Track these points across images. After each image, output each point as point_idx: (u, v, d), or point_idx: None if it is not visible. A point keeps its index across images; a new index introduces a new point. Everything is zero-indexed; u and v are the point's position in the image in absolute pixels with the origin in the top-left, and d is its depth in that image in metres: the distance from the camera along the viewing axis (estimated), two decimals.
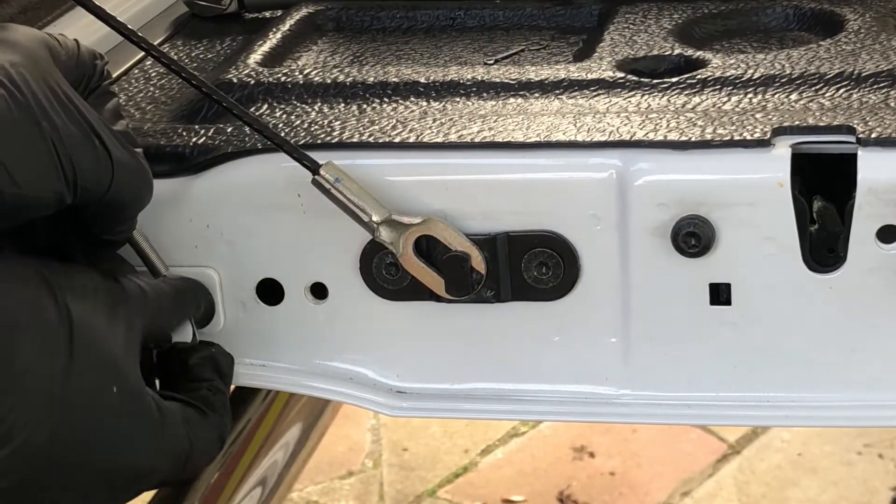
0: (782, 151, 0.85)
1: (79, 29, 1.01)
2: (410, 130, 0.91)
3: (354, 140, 0.90)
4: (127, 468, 0.81)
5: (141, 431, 0.81)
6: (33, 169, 0.77)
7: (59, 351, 0.76)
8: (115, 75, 1.03)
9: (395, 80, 0.99)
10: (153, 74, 1.06)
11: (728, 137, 0.86)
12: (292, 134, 0.92)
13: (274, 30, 1.11)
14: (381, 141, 0.90)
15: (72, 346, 0.77)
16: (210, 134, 0.93)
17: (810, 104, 0.92)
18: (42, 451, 0.75)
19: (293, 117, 0.97)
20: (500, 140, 0.88)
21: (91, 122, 0.80)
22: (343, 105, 0.99)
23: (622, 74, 0.97)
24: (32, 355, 0.75)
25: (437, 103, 0.97)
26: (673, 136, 0.87)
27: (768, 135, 0.85)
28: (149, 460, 0.82)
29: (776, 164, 0.85)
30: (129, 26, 0.86)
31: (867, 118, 0.86)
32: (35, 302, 0.76)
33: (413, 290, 0.90)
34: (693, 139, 0.86)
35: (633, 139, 0.87)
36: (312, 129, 0.92)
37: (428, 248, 0.88)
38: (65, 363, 0.76)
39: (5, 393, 0.74)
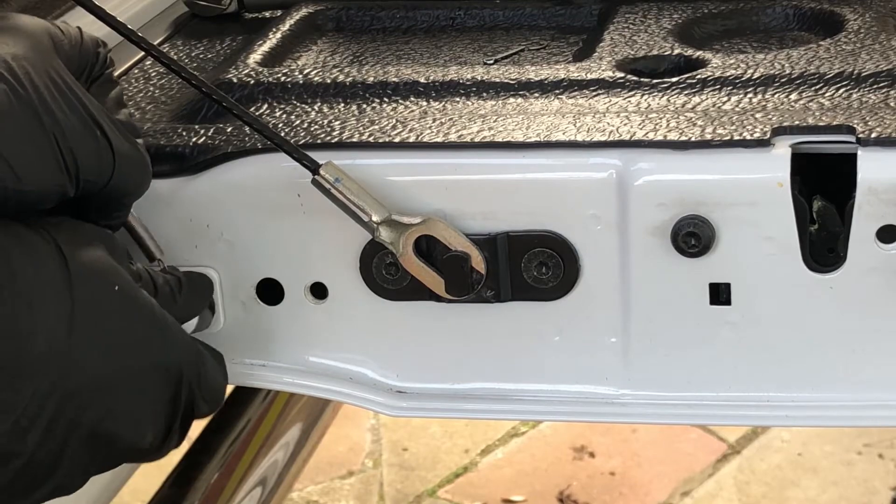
0: (782, 151, 0.85)
1: None
2: (410, 130, 0.91)
3: (354, 140, 0.90)
4: (151, 365, 0.82)
5: (152, 328, 0.83)
6: (35, 163, 0.77)
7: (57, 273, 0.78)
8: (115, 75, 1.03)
9: (395, 79, 0.99)
10: (153, 74, 1.06)
11: (728, 137, 0.86)
12: (292, 134, 0.92)
13: (274, 30, 1.11)
14: (380, 141, 0.90)
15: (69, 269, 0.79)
16: (210, 134, 0.93)
17: (810, 104, 0.92)
18: (67, 365, 0.77)
19: (293, 117, 0.97)
20: (500, 140, 0.88)
21: (93, 114, 0.80)
22: (343, 105, 0.99)
23: (622, 74, 0.97)
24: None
25: (437, 103, 0.97)
26: (673, 136, 0.87)
27: (768, 135, 0.85)
28: (170, 355, 0.83)
29: (776, 164, 0.85)
30: (129, 26, 0.86)
31: (867, 118, 0.86)
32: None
33: (413, 290, 0.90)
34: (693, 139, 0.86)
35: (632, 139, 0.87)
36: (312, 128, 0.92)
37: (428, 248, 0.88)
38: (65, 275, 0.78)
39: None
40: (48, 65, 0.79)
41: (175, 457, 1.46)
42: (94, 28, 0.91)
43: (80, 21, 0.99)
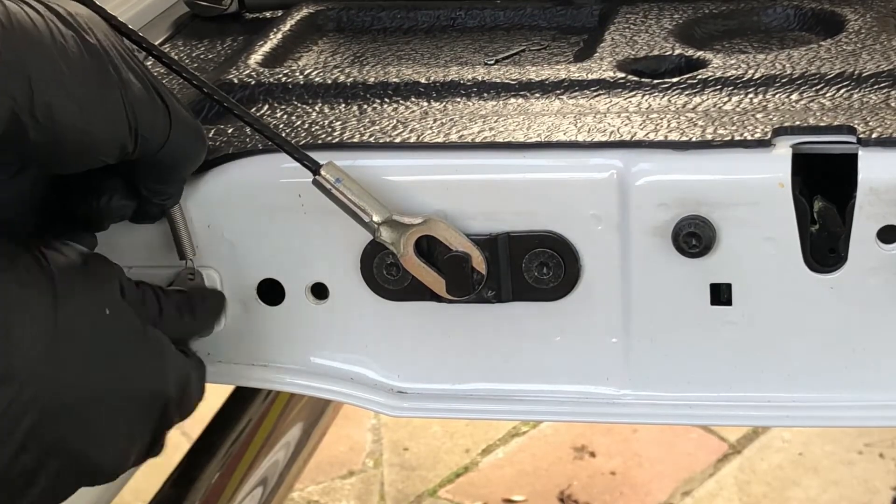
0: (783, 151, 0.85)
1: None
2: (411, 131, 0.91)
3: (355, 140, 0.90)
4: (137, 391, 0.82)
5: (142, 353, 0.83)
6: (102, 113, 0.79)
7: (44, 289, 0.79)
8: None
9: (396, 80, 0.99)
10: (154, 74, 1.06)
11: (729, 138, 0.86)
12: (293, 134, 0.92)
13: (274, 30, 1.11)
14: (381, 141, 0.90)
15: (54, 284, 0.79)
16: (211, 134, 0.93)
17: (811, 104, 0.92)
18: (46, 382, 0.77)
19: (294, 118, 0.97)
20: (501, 140, 0.89)
21: (151, 77, 0.83)
22: (344, 105, 0.99)
23: (623, 75, 0.97)
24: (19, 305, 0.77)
25: (438, 103, 0.97)
26: (674, 137, 0.87)
27: (769, 135, 0.85)
28: (157, 382, 0.84)
29: (777, 165, 0.85)
30: (130, 26, 0.86)
31: (868, 118, 0.86)
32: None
33: (414, 291, 0.90)
34: (694, 139, 0.86)
35: (633, 139, 0.87)
36: (313, 129, 0.92)
37: (429, 248, 0.88)
38: (51, 300, 0.79)
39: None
40: (108, 29, 0.82)
41: (176, 457, 1.46)
42: None
43: None
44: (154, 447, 0.86)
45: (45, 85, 0.76)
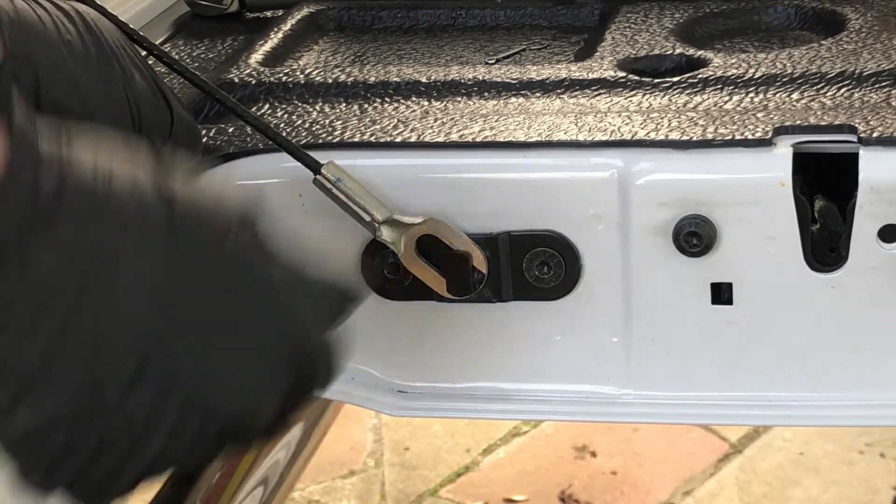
0: (784, 151, 0.85)
1: None
2: (412, 130, 0.91)
3: (356, 140, 0.90)
4: (262, 332, 0.71)
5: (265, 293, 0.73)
6: (107, 106, 0.79)
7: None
8: None
9: (397, 79, 0.99)
10: None
11: (729, 137, 0.86)
12: (294, 134, 0.92)
13: (275, 30, 1.11)
14: (382, 140, 0.90)
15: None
16: (211, 134, 0.93)
17: (812, 103, 0.91)
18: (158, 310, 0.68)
19: (294, 117, 0.97)
20: (502, 140, 0.88)
21: (152, 76, 0.83)
22: (344, 105, 0.99)
23: (623, 74, 0.97)
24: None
25: (439, 103, 0.97)
26: (674, 136, 0.87)
27: (770, 134, 0.85)
28: (283, 325, 0.73)
29: (777, 164, 0.85)
30: (131, 26, 0.86)
31: (869, 117, 0.86)
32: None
33: (414, 290, 0.90)
34: (694, 139, 0.86)
35: (634, 139, 0.87)
36: (314, 128, 0.92)
37: (429, 247, 0.88)
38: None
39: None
40: (113, 27, 0.83)
41: None
42: None
43: None
44: (287, 414, 0.74)
45: (51, 77, 0.76)
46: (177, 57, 0.94)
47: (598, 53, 1.01)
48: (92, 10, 0.82)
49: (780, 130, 0.86)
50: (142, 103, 0.81)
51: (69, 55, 0.78)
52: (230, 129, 0.93)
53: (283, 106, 0.99)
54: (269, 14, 1.19)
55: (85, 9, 0.82)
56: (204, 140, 0.92)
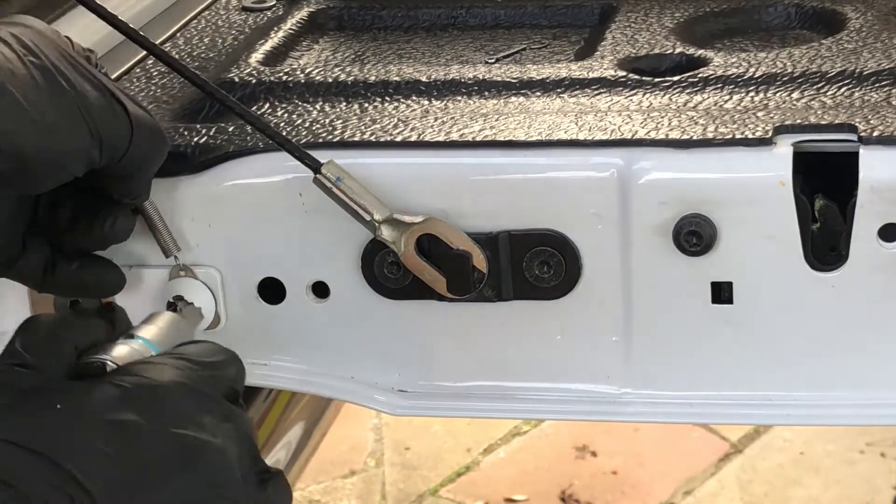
0: (784, 150, 0.85)
1: (81, 28, 1.01)
2: (412, 129, 0.91)
3: (356, 139, 0.90)
4: None
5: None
6: (62, 127, 0.78)
7: None
8: (116, 74, 1.04)
9: (397, 78, 0.99)
10: (155, 73, 1.06)
11: (730, 136, 0.86)
12: (294, 133, 0.92)
13: (275, 28, 1.11)
14: (382, 140, 0.90)
15: None
16: (211, 133, 0.93)
17: (812, 102, 0.91)
18: None
19: (295, 116, 0.97)
20: (502, 139, 0.88)
21: (104, 82, 0.82)
22: (344, 104, 0.99)
23: (624, 73, 0.97)
24: None
25: (439, 102, 0.97)
26: (675, 135, 0.87)
27: (770, 133, 0.85)
28: None
29: (778, 163, 0.85)
30: (131, 25, 0.86)
31: (869, 116, 0.86)
32: None
33: (415, 289, 0.90)
34: (695, 138, 0.86)
35: (634, 138, 0.87)
36: (314, 127, 0.92)
37: (429, 246, 0.88)
38: None
39: None
40: (55, 42, 0.81)
41: None
42: (96, 27, 0.91)
43: (83, 20, 0.99)
44: None
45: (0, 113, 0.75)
46: (177, 56, 0.94)
47: (598, 52, 1.01)
48: (30, 30, 0.80)
49: (781, 129, 0.86)
50: (97, 115, 0.80)
51: (13, 85, 0.77)
52: (230, 129, 0.93)
53: (284, 105, 0.99)
54: (268, 14, 1.19)
55: (21, 30, 0.80)
56: (204, 140, 0.92)
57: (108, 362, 0.77)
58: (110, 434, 0.73)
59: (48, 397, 0.74)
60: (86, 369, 0.77)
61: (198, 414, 0.76)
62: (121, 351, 0.78)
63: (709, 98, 0.94)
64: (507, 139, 0.88)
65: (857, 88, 0.93)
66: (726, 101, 0.93)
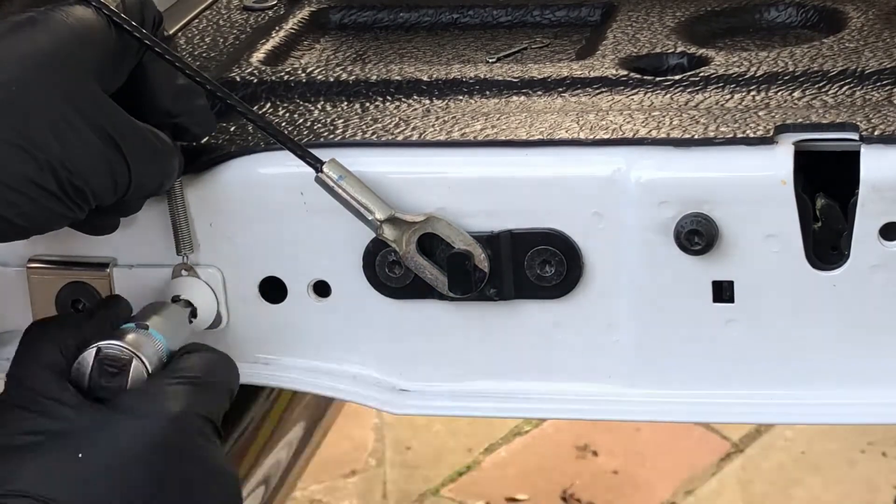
0: (785, 149, 0.85)
1: None
2: (413, 128, 0.91)
3: (357, 138, 0.90)
4: None
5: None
6: (30, 199, 0.78)
7: None
8: None
9: (398, 78, 0.99)
10: None
11: (731, 135, 0.86)
12: (295, 132, 0.92)
13: (277, 28, 1.11)
14: (383, 139, 0.90)
15: None
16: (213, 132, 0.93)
17: (813, 101, 0.92)
18: None
19: (296, 115, 0.97)
20: (503, 138, 0.89)
21: (107, 130, 0.80)
22: (346, 103, 0.99)
23: (625, 72, 0.97)
24: None
25: (440, 101, 0.97)
26: (676, 134, 0.87)
27: (771, 132, 0.85)
28: None
29: (779, 162, 0.85)
30: (133, 23, 0.86)
31: (870, 115, 0.86)
32: None
33: (416, 288, 0.90)
34: (696, 137, 0.86)
35: (636, 137, 0.87)
36: (315, 127, 0.92)
37: (431, 246, 0.88)
38: None
39: None
40: (62, 83, 0.80)
41: None
42: None
43: None
44: None
45: None
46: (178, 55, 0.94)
47: (599, 52, 1.01)
48: (29, 72, 0.78)
49: (782, 128, 0.86)
50: (87, 173, 0.80)
51: None
52: (232, 128, 0.93)
53: (285, 104, 0.99)
54: (270, 13, 1.19)
55: (16, 76, 0.78)
56: (206, 139, 0.92)
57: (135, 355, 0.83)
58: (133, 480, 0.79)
59: (71, 442, 0.78)
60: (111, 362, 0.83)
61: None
62: (137, 341, 0.84)
63: (710, 97, 0.94)
64: (508, 138, 0.88)
65: (859, 87, 0.93)
66: (727, 101, 0.93)
